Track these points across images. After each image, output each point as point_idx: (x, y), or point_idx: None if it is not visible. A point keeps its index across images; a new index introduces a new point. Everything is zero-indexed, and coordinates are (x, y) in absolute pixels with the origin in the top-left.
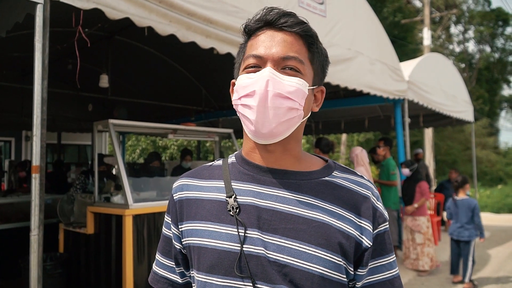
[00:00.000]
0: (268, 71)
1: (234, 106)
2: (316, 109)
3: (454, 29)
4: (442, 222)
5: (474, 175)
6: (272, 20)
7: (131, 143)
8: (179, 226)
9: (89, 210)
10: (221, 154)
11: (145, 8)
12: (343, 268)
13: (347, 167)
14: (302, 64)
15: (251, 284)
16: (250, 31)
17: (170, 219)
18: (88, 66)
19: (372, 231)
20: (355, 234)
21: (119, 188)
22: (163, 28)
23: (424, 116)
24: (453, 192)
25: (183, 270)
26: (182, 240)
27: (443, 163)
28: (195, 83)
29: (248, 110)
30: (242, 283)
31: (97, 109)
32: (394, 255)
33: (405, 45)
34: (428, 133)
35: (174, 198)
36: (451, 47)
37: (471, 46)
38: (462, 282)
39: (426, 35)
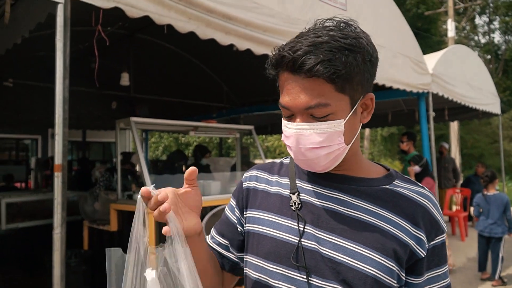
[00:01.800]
0: (295, 127)
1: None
2: (367, 119)
3: (479, 20)
4: (469, 218)
5: (502, 169)
6: (289, 65)
7: (154, 140)
8: (244, 212)
9: (112, 207)
10: (242, 151)
11: (164, 6)
12: (395, 274)
13: (409, 178)
14: (327, 106)
15: (305, 276)
16: (273, 76)
17: (235, 203)
18: (111, 64)
19: (427, 242)
20: (410, 243)
21: (142, 185)
22: (183, 25)
23: (449, 109)
24: (480, 186)
25: (231, 251)
26: (245, 225)
27: (469, 157)
28: (216, 79)
29: (292, 155)
30: (297, 273)
31: (121, 106)
32: (447, 265)
33: (429, 37)
34: (454, 126)
35: (244, 185)
36: (476, 38)
37: (497, 37)
38: (490, 279)
39: (450, 27)
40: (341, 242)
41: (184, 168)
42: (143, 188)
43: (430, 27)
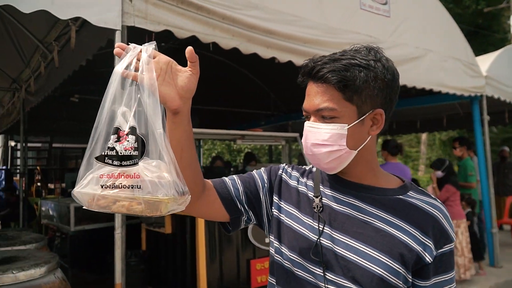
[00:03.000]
0: (307, 125)
1: None
2: (376, 132)
3: None
4: None
5: None
6: (310, 73)
7: (207, 147)
8: (274, 196)
9: None
10: (298, 157)
11: (209, 26)
12: (401, 276)
13: (423, 189)
14: (334, 110)
15: (322, 270)
16: (300, 84)
17: (266, 178)
18: None
19: (435, 250)
20: (417, 249)
21: None
22: (226, 42)
23: (510, 112)
24: None
25: (244, 204)
26: (272, 209)
27: None
28: (264, 88)
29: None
30: (315, 266)
31: None
32: (454, 271)
33: (490, 35)
34: None
35: (279, 172)
36: None
37: None
38: None
39: None
40: (353, 243)
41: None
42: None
43: (492, 24)
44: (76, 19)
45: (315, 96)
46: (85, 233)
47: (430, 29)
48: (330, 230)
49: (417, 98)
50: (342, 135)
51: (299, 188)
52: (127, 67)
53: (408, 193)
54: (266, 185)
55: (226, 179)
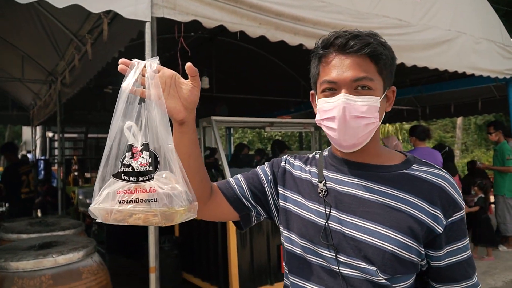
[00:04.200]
0: (343, 97)
1: (317, 124)
2: (389, 109)
3: None
4: None
5: None
6: (340, 46)
7: (238, 135)
8: (279, 187)
9: None
10: (320, 143)
11: (237, 14)
12: (413, 249)
13: (427, 162)
14: (372, 81)
15: (333, 253)
16: (320, 56)
17: (270, 171)
18: (196, 67)
19: (444, 219)
20: (427, 220)
21: (224, 178)
22: (253, 30)
23: None
24: None
25: (253, 203)
26: (278, 200)
27: None
28: (293, 75)
29: (331, 131)
30: (326, 250)
31: (205, 106)
32: (468, 238)
33: None
34: None
35: (281, 164)
36: None
37: None
38: None
39: None
40: (361, 222)
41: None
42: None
43: None
44: (108, 12)
45: (350, 67)
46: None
47: (461, 11)
48: (337, 213)
49: (450, 81)
50: (376, 107)
51: (303, 176)
52: (133, 84)
53: (412, 167)
54: (270, 178)
55: (231, 179)
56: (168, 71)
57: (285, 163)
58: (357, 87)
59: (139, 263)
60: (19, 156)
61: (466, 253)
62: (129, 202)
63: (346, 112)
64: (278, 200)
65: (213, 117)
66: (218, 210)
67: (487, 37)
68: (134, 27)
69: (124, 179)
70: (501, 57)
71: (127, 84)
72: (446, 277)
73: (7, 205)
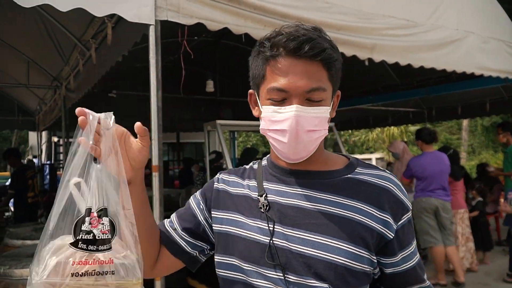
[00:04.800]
0: (295, 109)
1: (261, 132)
2: (333, 114)
3: None
4: None
5: None
6: (293, 49)
7: (242, 139)
8: (212, 211)
9: None
10: (334, 147)
11: (241, 17)
12: (365, 259)
13: (370, 164)
14: (325, 91)
15: (281, 273)
16: (267, 57)
17: (201, 198)
18: (200, 70)
19: (394, 223)
20: (377, 227)
21: None
22: (258, 33)
23: None
24: None
25: (193, 242)
26: (212, 225)
27: None
28: None
29: (279, 144)
30: (273, 271)
31: (209, 109)
32: (415, 240)
33: None
34: None
35: (215, 185)
36: None
37: None
38: None
39: None
40: (308, 236)
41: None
42: (82, 112)
43: None
44: (112, 16)
45: (304, 75)
46: None
47: (470, 10)
48: (282, 228)
49: (458, 82)
50: (327, 118)
51: (241, 192)
52: (89, 138)
53: (355, 170)
54: (202, 205)
55: (166, 223)
56: (120, 129)
57: (217, 183)
58: (309, 97)
59: None
60: (25, 161)
61: (417, 255)
62: (83, 275)
63: (298, 126)
64: (214, 226)
65: (218, 121)
66: (164, 266)
67: (495, 36)
68: (138, 30)
69: (82, 248)
70: (511, 57)
71: (85, 138)
72: (401, 283)
73: (12, 209)
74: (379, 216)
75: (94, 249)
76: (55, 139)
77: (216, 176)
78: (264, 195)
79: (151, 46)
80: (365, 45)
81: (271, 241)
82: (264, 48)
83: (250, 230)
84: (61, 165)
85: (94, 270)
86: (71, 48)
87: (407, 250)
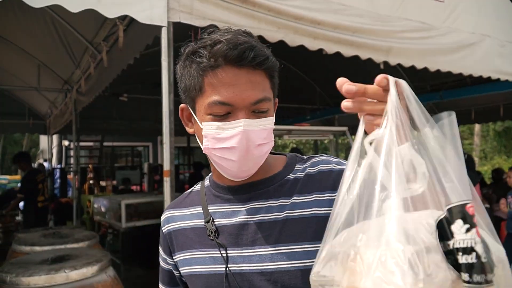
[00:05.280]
0: (243, 124)
1: (204, 151)
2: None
3: None
4: None
5: None
6: (234, 57)
7: None
8: (174, 257)
9: None
10: (336, 151)
11: (255, 19)
12: None
13: (308, 156)
14: (270, 101)
15: None
16: (204, 67)
17: (163, 252)
18: None
19: None
20: (325, 210)
21: None
22: (272, 35)
23: None
24: None
25: None
26: (179, 270)
27: None
28: (308, 81)
29: (228, 163)
30: None
31: None
32: None
33: None
34: None
35: (164, 231)
36: None
37: None
38: None
39: None
40: (265, 251)
41: None
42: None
43: None
44: (123, 18)
45: (249, 86)
46: (136, 229)
47: (486, 13)
48: (236, 251)
49: (473, 86)
50: (272, 128)
51: (187, 224)
52: None
53: (295, 168)
54: (167, 260)
55: None
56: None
57: (163, 227)
58: (255, 109)
59: (155, 273)
60: (36, 165)
61: None
62: None
63: (249, 142)
64: (179, 271)
65: None
66: None
67: None
68: (150, 33)
69: (466, 281)
70: None
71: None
72: None
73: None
74: (331, 198)
75: (482, 281)
76: (66, 142)
77: (162, 218)
78: (210, 221)
79: (163, 48)
80: (381, 48)
81: (227, 269)
82: (201, 57)
83: (204, 264)
84: (71, 169)
85: None
86: (82, 51)
87: None
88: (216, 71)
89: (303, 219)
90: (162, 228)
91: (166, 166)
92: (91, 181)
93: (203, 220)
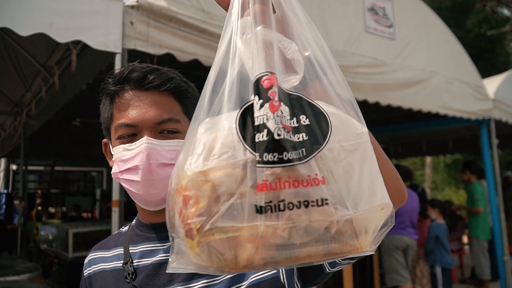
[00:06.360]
0: (145, 141)
1: (114, 177)
2: None
3: None
4: None
5: None
6: (137, 80)
7: None
8: None
9: None
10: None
11: (212, 48)
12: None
13: None
14: (179, 123)
15: None
16: (112, 93)
17: None
18: None
19: None
20: None
21: None
22: None
23: None
24: None
25: None
26: None
27: None
28: None
29: (134, 185)
30: None
31: None
32: None
33: (494, 58)
34: None
35: (84, 275)
36: None
37: None
38: None
39: None
40: (187, 285)
41: None
42: None
43: (494, 47)
44: (77, 42)
45: (152, 107)
46: (84, 260)
47: (435, 52)
48: None
49: (424, 121)
50: None
51: (107, 267)
52: None
53: None
54: None
55: None
56: None
57: (86, 270)
58: (163, 131)
59: None
60: None
61: None
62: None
63: (151, 160)
64: None
65: None
66: None
67: (460, 77)
68: (104, 58)
69: (257, 161)
70: (474, 98)
71: None
72: None
73: None
74: None
75: (279, 159)
76: (14, 167)
77: (85, 260)
78: (129, 262)
79: None
80: None
81: None
82: (108, 84)
83: None
84: (18, 194)
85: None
86: (34, 74)
87: None
88: (122, 95)
89: None
90: (84, 272)
91: (115, 195)
92: (39, 207)
93: (122, 262)
